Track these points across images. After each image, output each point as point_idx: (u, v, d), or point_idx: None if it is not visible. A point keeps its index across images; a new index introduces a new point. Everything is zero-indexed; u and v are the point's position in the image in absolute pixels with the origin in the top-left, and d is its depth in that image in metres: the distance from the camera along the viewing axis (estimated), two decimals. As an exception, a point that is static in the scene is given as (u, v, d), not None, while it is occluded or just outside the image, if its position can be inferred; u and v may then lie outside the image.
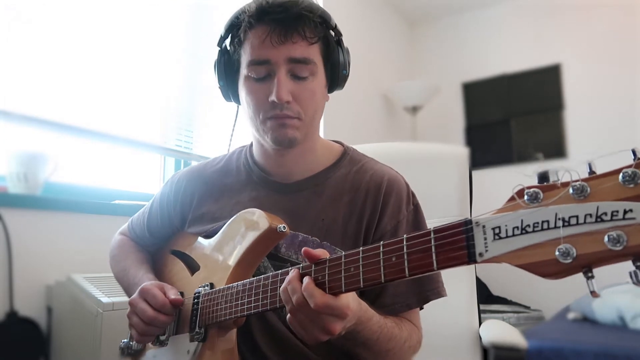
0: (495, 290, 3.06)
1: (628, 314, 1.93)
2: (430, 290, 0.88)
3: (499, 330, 1.01)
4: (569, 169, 0.45)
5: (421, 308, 0.90)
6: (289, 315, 0.68)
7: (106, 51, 1.70)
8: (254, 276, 0.78)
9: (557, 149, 3.30)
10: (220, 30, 0.91)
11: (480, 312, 1.25)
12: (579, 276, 0.45)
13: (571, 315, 2.22)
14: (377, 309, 0.86)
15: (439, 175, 1.30)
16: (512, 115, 3.51)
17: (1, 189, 1.45)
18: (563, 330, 2.07)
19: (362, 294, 0.89)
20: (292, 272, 0.68)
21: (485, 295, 2.99)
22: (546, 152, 3.32)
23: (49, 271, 1.44)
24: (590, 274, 0.44)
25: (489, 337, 0.92)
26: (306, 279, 0.66)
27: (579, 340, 1.80)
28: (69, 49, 1.60)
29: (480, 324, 1.20)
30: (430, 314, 0.91)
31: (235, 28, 0.87)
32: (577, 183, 0.43)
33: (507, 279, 2.88)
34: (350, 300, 0.66)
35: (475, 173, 1.32)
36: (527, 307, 2.91)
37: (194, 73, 2.06)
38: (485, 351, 1.13)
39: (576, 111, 3.29)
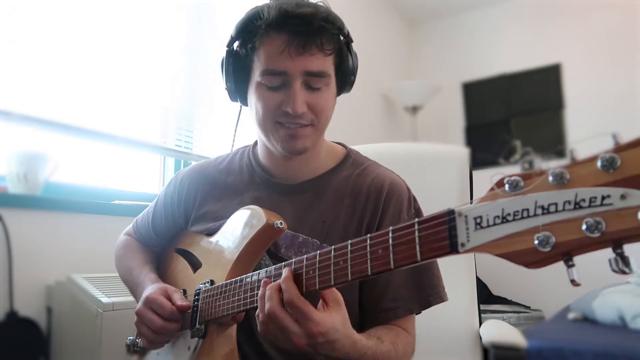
0: (496, 290, 3.06)
1: (628, 314, 1.92)
2: (432, 295, 0.88)
3: (499, 330, 1.01)
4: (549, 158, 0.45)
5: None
6: (259, 324, 0.69)
7: (106, 51, 1.71)
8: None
9: (557, 149, 3.29)
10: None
11: (480, 312, 1.25)
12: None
13: (571, 315, 2.21)
14: (379, 314, 0.86)
15: (439, 176, 1.30)
16: (512, 115, 3.51)
17: (1, 189, 1.45)
18: (563, 330, 2.06)
19: (363, 299, 0.89)
20: (284, 275, 0.68)
21: (485, 295, 2.99)
22: (546, 152, 3.31)
23: (49, 271, 1.45)
24: (570, 263, 0.43)
25: (489, 337, 0.92)
26: (286, 270, 0.67)
27: (579, 340, 1.80)
28: (69, 48, 1.60)
29: (480, 323, 1.21)
30: (430, 314, 0.91)
31: (249, 32, 0.84)
32: (557, 170, 0.43)
33: (508, 279, 2.87)
34: (325, 320, 0.65)
35: (475, 173, 1.32)
36: (527, 307, 2.90)
37: (194, 73, 2.06)
38: (485, 351, 1.13)
39: (576, 111, 3.29)
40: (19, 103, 1.49)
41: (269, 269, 0.73)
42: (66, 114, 1.60)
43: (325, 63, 0.84)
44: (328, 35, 0.82)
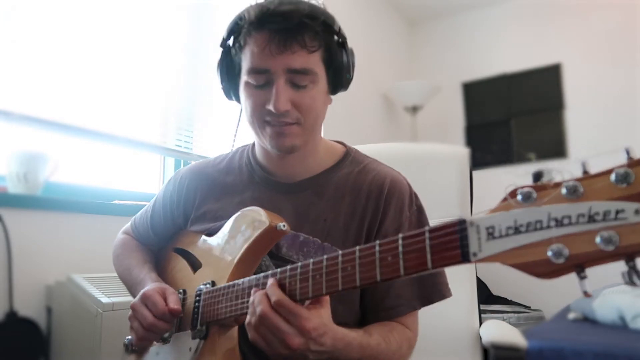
0: (496, 290, 3.06)
1: (628, 314, 1.92)
2: (435, 292, 0.88)
3: (499, 330, 1.01)
4: (562, 170, 0.45)
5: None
6: (251, 331, 0.69)
7: (106, 51, 1.70)
8: (254, 274, 0.78)
9: (557, 149, 3.30)
10: (222, 31, 0.90)
11: (480, 312, 1.25)
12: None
13: (571, 315, 2.21)
14: (381, 312, 0.86)
15: (439, 176, 1.30)
16: (512, 115, 3.51)
17: (1, 189, 1.45)
18: (563, 330, 2.06)
19: (365, 297, 0.89)
20: (269, 283, 0.70)
21: (485, 295, 2.99)
22: (546, 152, 3.32)
23: (49, 271, 1.44)
24: (583, 274, 0.43)
25: (489, 337, 0.92)
26: (270, 280, 0.69)
27: (579, 340, 1.80)
28: (69, 48, 1.60)
29: (480, 324, 1.21)
30: (430, 313, 0.91)
31: (236, 32, 0.86)
32: (570, 183, 0.43)
33: (508, 279, 2.87)
34: (314, 316, 0.66)
35: (475, 173, 1.32)
36: (527, 307, 2.91)
37: (194, 73, 2.06)
38: (485, 351, 1.13)
39: (576, 111, 3.30)
40: (19, 103, 1.48)
41: (273, 272, 0.73)
42: (66, 114, 1.60)
43: (310, 60, 0.83)
44: (311, 32, 0.81)
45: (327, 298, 0.69)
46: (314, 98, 0.86)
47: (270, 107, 0.82)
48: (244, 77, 0.86)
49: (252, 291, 0.71)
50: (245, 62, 0.85)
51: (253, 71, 0.83)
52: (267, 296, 0.68)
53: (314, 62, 0.84)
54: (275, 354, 0.68)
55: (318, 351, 0.68)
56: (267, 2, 0.82)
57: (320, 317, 0.67)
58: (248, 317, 0.70)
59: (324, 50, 0.86)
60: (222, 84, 0.93)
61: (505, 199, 0.47)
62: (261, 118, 0.85)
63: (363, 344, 0.75)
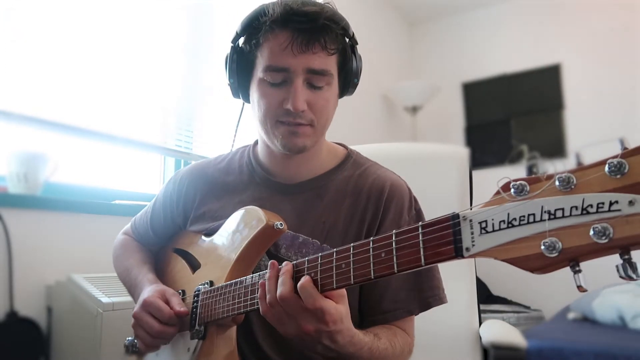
0: (495, 290, 3.06)
1: (628, 314, 1.93)
2: (432, 297, 0.88)
3: (499, 330, 1.01)
4: (555, 163, 0.44)
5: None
6: (266, 306, 0.68)
7: (106, 51, 1.71)
8: (253, 273, 0.78)
9: (557, 149, 3.30)
10: (236, 27, 0.89)
11: (480, 312, 1.25)
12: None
13: (571, 315, 2.22)
14: (378, 315, 0.86)
15: (439, 176, 1.30)
16: (512, 115, 3.51)
17: (1, 189, 1.45)
18: (563, 330, 2.07)
19: (362, 300, 0.89)
20: (288, 266, 0.69)
21: (485, 295, 2.99)
22: (546, 152, 3.32)
23: (49, 271, 1.44)
24: (577, 268, 0.43)
25: (488, 337, 0.92)
26: (305, 278, 0.66)
27: (579, 340, 1.80)
28: (69, 48, 1.60)
29: (480, 324, 1.21)
30: (430, 314, 0.91)
31: (254, 29, 0.84)
32: (563, 175, 0.42)
33: (507, 279, 2.88)
34: (334, 309, 0.65)
35: (475, 173, 1.32)
36: (527, 307, 2.91)
37: (194, 73, 2.06)
38: (485, 351, 1.13)
39: (576, 111, 3.30)
40: (19, 103, 1.48)
41: (268, 271, 0.73)
42: (66, 114, 1.60)
43: (328, 62, 0.84)
44: (332, 35, 0.82)
45: (344, 296, 0.69)
46: (327, 100, 0.86)
47: (289, 106, 0.81)
48: (259, 75, 0.85)
49: (268, 276, 0.70)
50: (263, 59, 0.84)
51: (271, 69, 0.83)
52: (292, 279, 0.67)
53: (331, 64, 0.85)
54: (284, 332, 0.68)
55: (328, 347, 0.68)
56: (289, 1, 0.82)
57: (339, 312, 0.66)
58: (265, 294, 0.69)
59: (339, 54, 0.86)
60: (229, 80, 0.91)
61: (498, 193, 0.46)
62: (275, 117, 0.85)
63: (372, 349, 0.75)
